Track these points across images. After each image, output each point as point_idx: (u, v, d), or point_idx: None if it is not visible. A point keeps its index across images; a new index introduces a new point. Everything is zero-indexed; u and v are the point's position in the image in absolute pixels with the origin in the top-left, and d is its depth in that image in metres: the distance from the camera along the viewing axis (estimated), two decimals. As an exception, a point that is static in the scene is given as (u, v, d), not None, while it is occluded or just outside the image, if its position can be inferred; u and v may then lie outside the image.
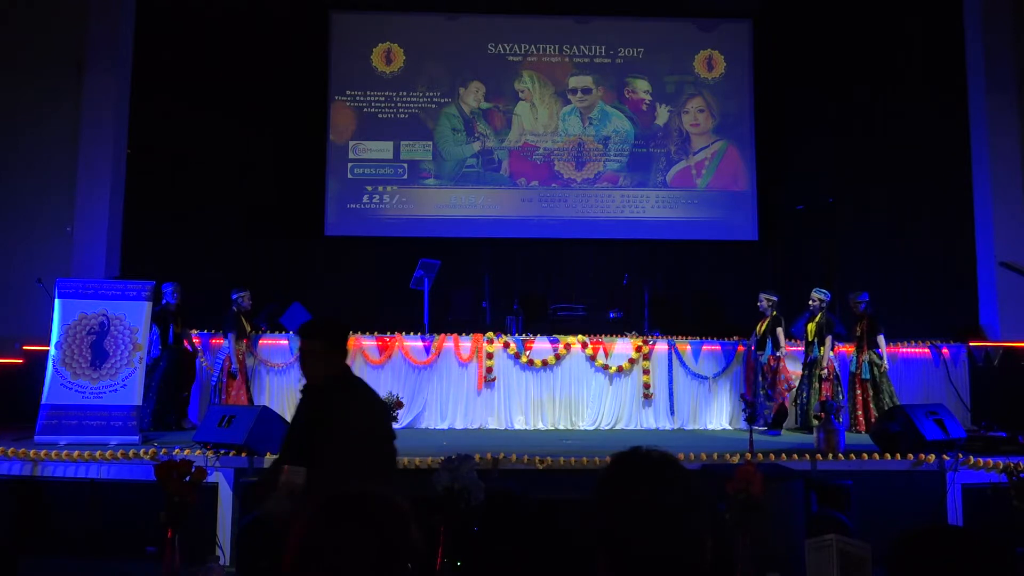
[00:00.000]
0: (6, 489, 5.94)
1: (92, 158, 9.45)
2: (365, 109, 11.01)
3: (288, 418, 7.61)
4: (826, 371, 8.35)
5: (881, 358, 8.36)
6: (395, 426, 6.56)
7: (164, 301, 8.29)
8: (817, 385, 8.38)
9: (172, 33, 10.40)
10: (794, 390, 8.57)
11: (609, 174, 11.13)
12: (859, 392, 8.37)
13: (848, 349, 8.70)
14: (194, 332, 8.64)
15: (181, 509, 2.70)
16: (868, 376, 8.32)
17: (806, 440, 7.40)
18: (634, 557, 1.39)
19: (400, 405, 6.76)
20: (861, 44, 10.87)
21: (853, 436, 7.59)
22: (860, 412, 8.28)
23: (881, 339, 8.36)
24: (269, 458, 6.01)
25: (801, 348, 8.75)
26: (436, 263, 9.34)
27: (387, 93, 11.04)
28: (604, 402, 8.83)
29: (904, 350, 9.14)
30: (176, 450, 6.12)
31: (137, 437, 6.91)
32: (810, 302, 8.59)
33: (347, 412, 3.07)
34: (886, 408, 7.92)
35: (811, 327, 8.56)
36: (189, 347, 8.54)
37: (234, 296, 8.49)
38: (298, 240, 10.76)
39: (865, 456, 6.29)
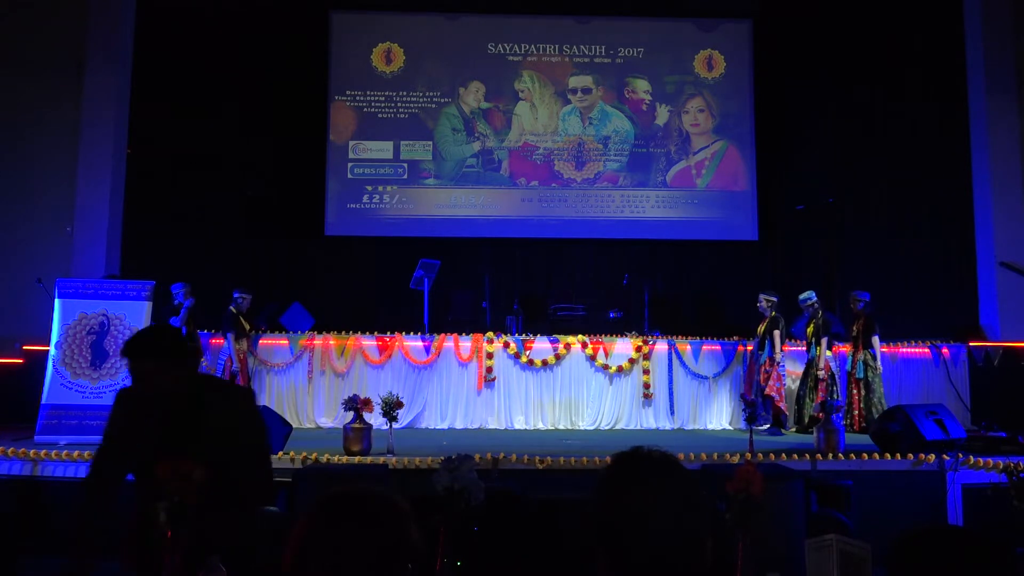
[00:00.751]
0: (6, 489, 5.94)
1: (92, 158, 9.45)
2: (365, 109, 11.01)
3: (288, 418, 7.65)
4: (822, 372, 8.35)
5: (875, 359, 8.35)
6: (395, 426, 6.62)
7: (176, 301, 8.26)
8: (812, 384, 8.39)
9: (172, 33, 10.39)
10: (788, 390, 8.57)
11: (609, 174, 11.13)
12: (855, 391, 8.38)
13: (847, 348, 8.70)
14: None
15: (181, 509, 2.69)
16: (862, 375, 8.32)
17: (806, 440, 7.40)
18: (634, 557, 1.40)
19: (400, 405, 6.75)
20: (861, 44, 10.87)
21: (851, 436, 7.58)
22: (856, 412, 8.29)
23: (875, 340, 8.35)
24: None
25: (802, 348, 8.75)
26: (436, 263, 9.34)
27: (387, 93, 11.04)
28: (604, 402, 8.84)
29: (904, 350, 9.14)
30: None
31: (137, 437, 6.89)
32: (806, 308, 8.63)
33: (214, 426, 2.70)
34: (875, 410, 7.94)
35: (810, 329, 8.57)
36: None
37: (235, 295, 8.49)
38: (298, 240, 10.76)
39: (865, 456, 6.30)
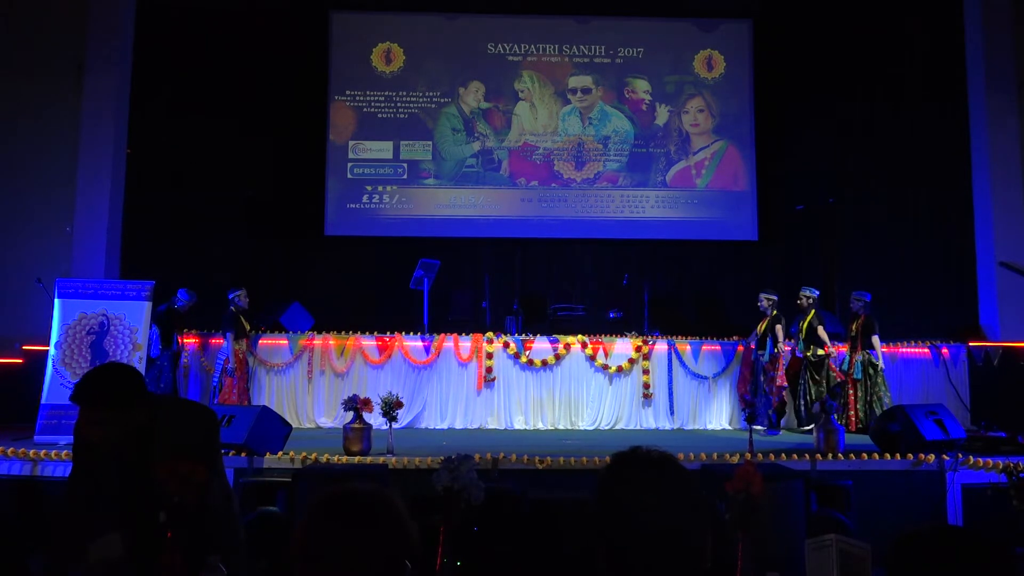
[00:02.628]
0: (6, 489, 5.94)
1: (92, 158, 9.44)
2: (365, 109, 11.01)
3: (287, 418, 7.65)
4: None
5: (877, 359, 8.35)
6: (395, 426, 6.62)
7: (179, 304, 8.25)
8: (808, 380, 8.41)
9: (172, 33, 10.39)
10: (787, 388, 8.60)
11: (609, 174, 11.13)
12: (851, 392, 8.38)
13: (844, 348, 8.70)
14: (193, 332, 8.65)
15: (181, 509, 2.69)
16: (860, 376, 8.32)
17: (806, 440, 7.40)
18: (633, 557, 1.40)
19: (400, 405, 6.75)
20: (861, 44, 10.87)
21: (850, 436, 7.58)
22: (852, 412, 8.29)
23: (876, 339, 8.34)
24: (269, 458, 6.02)
25: (794, 348, 8.75)
26: (436, 263, 9.34)
27: (387, 93, 11.04)
28: (604, 402, 8.83)
29: (904, 350, 9.14)
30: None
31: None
32: (798, 301, 8.64)
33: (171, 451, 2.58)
34: (887, 408, 7.93)
35: (804, 325, 8.58)
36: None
37: (231, 295, 8.49)
38: (298, 240, 10.75)
39: (865, 456, 6.30)
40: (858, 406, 8.27)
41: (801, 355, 8.58)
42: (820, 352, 8.41)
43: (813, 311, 8.55)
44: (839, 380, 8.34)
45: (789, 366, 8.59)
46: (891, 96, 10.85)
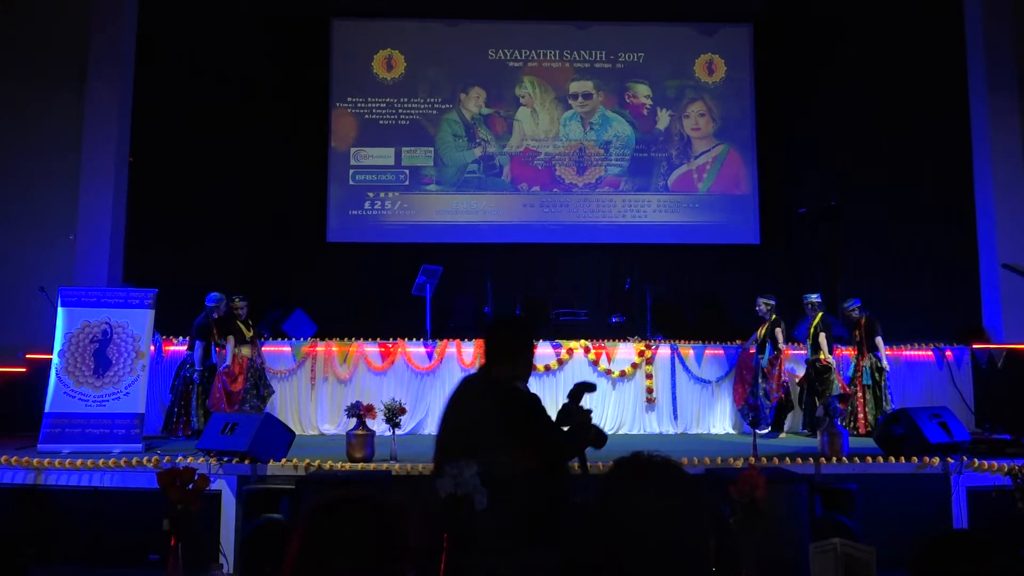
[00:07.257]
0: (10, 497, 5.94)
1: (95, 166, 9.45)
2: (366, 116, 11.03)
3: (291, 425, 7.63)
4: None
5: (881, 360, 8.34)
6: (399, 432, 6.61)
7: (216, 316, 8.19)
8: (819, 386, 8.39)
9: (174, 40, 10.42)
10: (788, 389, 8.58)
11: (610, 179, 11.14)
12: (860, 395, 8.36)
13: (851, 352, 8.69)
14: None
15: (184, 517, 2.70)
16: (869, 381, 8.31)
17: (810, 444, 7.39)
18: (636, 562, 1.39)
19: (403, 411, 6.74)
20: (861, 46, 10.86)
21: (855, 439, 7.57)
22: (861, 415, 8.28)
23: (879, 340, 8.34)
24: (272, 465, 6.01)
25: (803, 351, 8.73)
26: (438, 269, 9.35)
27: (388, 99, 11.06)
28: (607, 407, 8.81)
29: (907, 353, 9.11)
30: (179, 458, 6.11)
31: (140, 445, 6.90)
32: (806, 307, 8.63)
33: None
34: (891, 412, 7.92)
35: (811, 330, 8.57)
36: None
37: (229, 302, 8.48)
38: (300, 246, 10.76)
39: (869, 459, 6.27)
40: (867, 409, 8.26)
41: (806, 362, 8.55)
42: (823, 355, 8.39)
43: (819, 316, 8.53)
44: (843, 392, 8.31)
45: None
46: (892, 97, 10.82)
